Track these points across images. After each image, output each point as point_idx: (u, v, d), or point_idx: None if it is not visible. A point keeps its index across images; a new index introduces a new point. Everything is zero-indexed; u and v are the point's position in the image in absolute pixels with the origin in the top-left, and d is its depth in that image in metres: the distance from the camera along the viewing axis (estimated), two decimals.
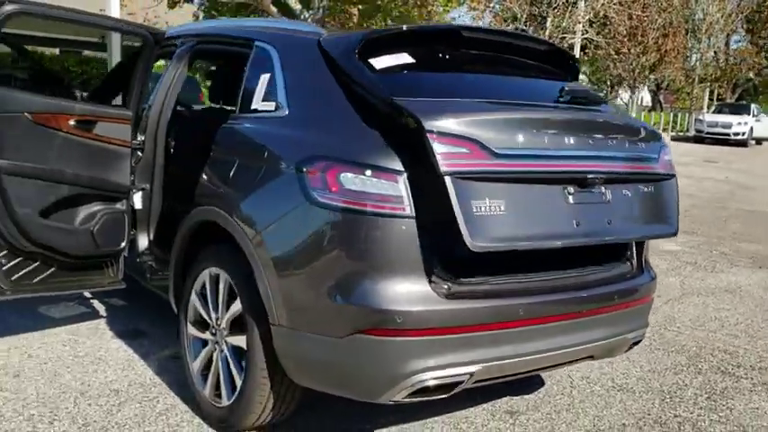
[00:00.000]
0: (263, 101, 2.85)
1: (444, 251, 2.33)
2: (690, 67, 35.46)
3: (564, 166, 2.47)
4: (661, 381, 3.63)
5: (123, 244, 3.50)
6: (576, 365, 3.40)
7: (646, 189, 2.74)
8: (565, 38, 22.24)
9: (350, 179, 2.31)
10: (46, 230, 3.21)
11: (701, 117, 28.98)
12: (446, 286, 2.32)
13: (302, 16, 13.86)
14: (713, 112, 28.98)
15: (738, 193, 12.20)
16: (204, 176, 2.96)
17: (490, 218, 2.25)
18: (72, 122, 3.26)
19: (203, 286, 2.94)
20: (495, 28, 2.87)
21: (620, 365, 3.77)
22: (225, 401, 2.77)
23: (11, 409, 2.91)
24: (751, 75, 39.99)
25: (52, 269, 3.34)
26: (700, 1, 36.75)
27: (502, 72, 2.98)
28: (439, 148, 2.19)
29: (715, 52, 37.52)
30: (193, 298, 2.99)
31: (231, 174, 2.75)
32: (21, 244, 3.16)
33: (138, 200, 3.57)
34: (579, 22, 22.10)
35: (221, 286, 2.80)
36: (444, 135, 2.21)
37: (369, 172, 2.28)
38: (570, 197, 2.46)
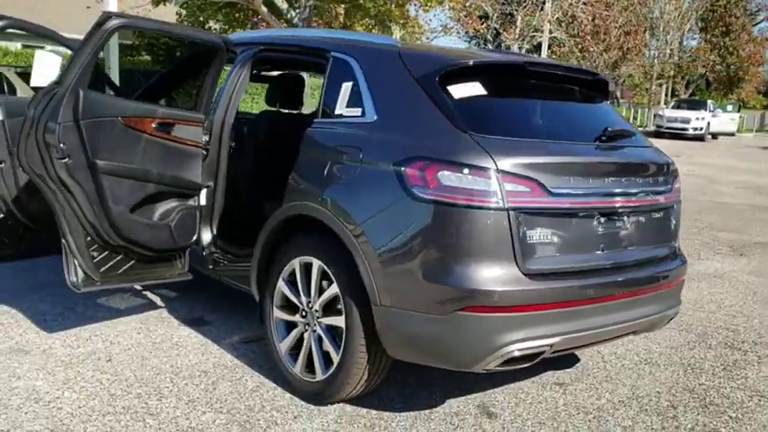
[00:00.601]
0: (347, 107, 3.18)
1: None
2: (648, 65, 36.63)
3: (601, 202, 2.95)
4: (680, 355, 4.07)
5: (195, 238, 3.79)
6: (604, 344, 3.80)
7: (656, 216, 3.24)
8: (534, 36, 23.00)
9: (446, 176, 2.66)
10: (134, 226, 3.49)
11: (660, 113, 30.02)
12: (532, 269, 2.70)
13: (289, 15, 14.08)
14: (672, 108, 30.05)
15: (706, 186, 12.87)
16: (295, 175, 3.25)
17: (538, 246, 2.73)
18: (154, 125, 3.54)
19: (291, 274, 3.25)
20: (553, 61, 3.20)
21: (641, 343, 4.19)
22: (319, 376, 3.10)
23: (118, 389, 3.19)
24: (705, 71, 41.41)
25: (132, 262, 3.62)
26: (657, 0, 38.00)
27: (556, 100, 3.37)
28: (506, 186, 2.62)
29: (671, 50, 38.76)
30: (281, 284, 3.29)
31: (326, 172, 3.07)
32: (112, 239, 3.43)
33: (203, 197, 3.85)
34: (548, 21, 22.83)
35: (314, 273, 3.12)
36: (512, 175, 2.65)
37: (466, 170, 2.64)
38: (600, 227, 2.93)
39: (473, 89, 2.98)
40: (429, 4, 15.10)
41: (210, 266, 3.88)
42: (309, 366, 3.19)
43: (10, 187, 3.94)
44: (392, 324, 2.79)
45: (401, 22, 15.64)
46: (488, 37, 23.43)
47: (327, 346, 3.09)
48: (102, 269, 3.49)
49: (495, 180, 2.64)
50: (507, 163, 2.67)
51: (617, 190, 3.01)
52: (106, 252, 3.49)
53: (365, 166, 2.93)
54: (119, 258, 3.57)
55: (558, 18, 24.75)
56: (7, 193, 3.93)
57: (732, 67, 42.79)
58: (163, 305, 4.42)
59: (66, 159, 3.17)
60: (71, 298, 4.24)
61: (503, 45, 23.63)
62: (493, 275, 2.65)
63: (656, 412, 3.29)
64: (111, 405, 3.03)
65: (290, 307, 3.31)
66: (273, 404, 3.14)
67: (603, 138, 3.10)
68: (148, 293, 4.63)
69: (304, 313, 3.21)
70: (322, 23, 14.38)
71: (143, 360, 3.54)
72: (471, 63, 3.02)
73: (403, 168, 2.77)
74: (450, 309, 2.66)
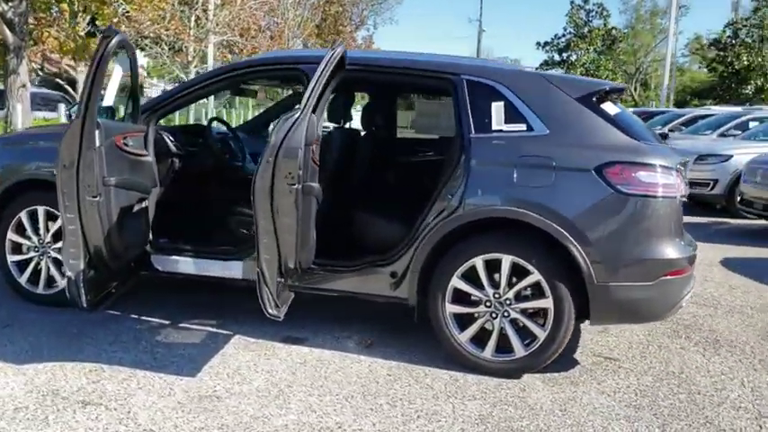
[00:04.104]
0: (506, 123, 3.71)
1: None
2: None
3: None
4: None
5: None
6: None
7: None
8: (207, 39, 23.25)
9: (644, 175, 3.50)
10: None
11: None
12: (684, 241, 3.71)
13: (1, 8, 12.07)
14: None
15: None
16: (461, 183, 3.65)
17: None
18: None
19: (468, 270, 3.67)
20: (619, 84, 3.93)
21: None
22: (520, 353, 3.63)
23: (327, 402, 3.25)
24: None
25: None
26: (281, 6, 41.08)
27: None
28: (678, 179, 3.57)
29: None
30: (456, 282, 3.68)
31: (515, 179, 3.57)
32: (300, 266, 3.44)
33: None
34: (217, 23, 23.28)
35: (505, 267, 3.61)
36: (678, 171, 3.62)
37: (659, 169, 3.51)
38: None
39: (612, 107, 3.82)
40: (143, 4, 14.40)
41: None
42: (500, 348, 3.67)
43: (104, 228, 3.47)
44: (608, 296, 3.50)
45: (114, 20, 14.62)
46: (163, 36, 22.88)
47: (530, 326, 3.63)
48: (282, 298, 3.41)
49: (675, 175, 3.57)
50: (675, 162, 3.61)
51: None
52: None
53: (561, 172, 3.55)
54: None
55: (227, 22, 25.32)
56: (101, 237, 3.46)
57: None
58: (223, 331, 4.21)
59: (297, 185, 3.11)
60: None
61: (183, 45, 23.36)
62: (680, 247, 3.59)
63: None
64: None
65: (465, 301, 3.72)
66: (480, 387, 3.56)
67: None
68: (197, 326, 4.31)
69: (488, 303, 3.67)
70: (43, 19, 12.64)
71: (320, 386, 3.55)
72: (608, 87, 3.84)
73: (605, 171, 3.50)
74: (657, 275, 3.51)
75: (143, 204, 4.05)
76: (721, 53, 26.78)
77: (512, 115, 3.72)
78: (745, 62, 25.33)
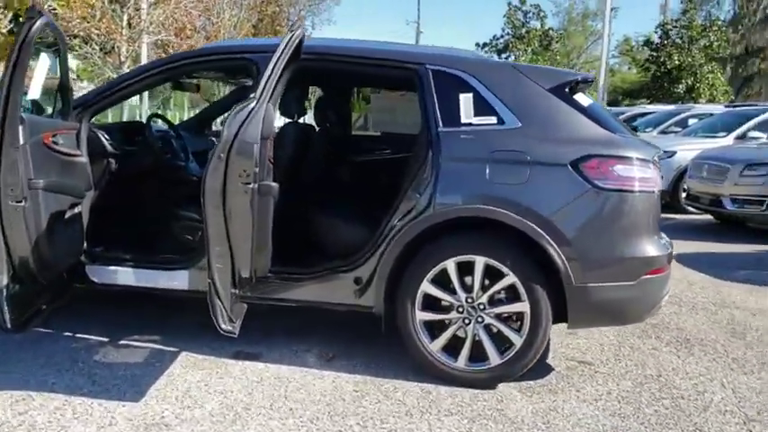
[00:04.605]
0: (476, 116, 3.47)
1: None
2: None
3: None
4: None
5: None
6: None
7: None
8: (141, 38, 22.43)
9: (621, 169, 3.31)
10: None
11: None
12: (661, 237, 3.54)
13: None
14: None
15: None
16: (430, 180, 3.38)
17: None
18: None
19: (439, 274, 3.40)
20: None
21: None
22: (495, 362, 3.38)
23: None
24: None
25: None
26: (217, 6, 40.27)
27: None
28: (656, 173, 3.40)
29: None
30: (425, 287, 3.42)
31: (487, 175, 3.33)
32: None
33: None
34: (151, 22, 22.49)
35: (477, 269, 3.36)
36: (654, 164, 3.44)
37: (637, 162, 3.33)
38: None
39: (584, 98, 3.63)
40: None
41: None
42: (473, 357, 3.42)
43: (31, 236, 3.07)
44: (587, 298, 3.30)
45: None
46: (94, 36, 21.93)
47: (506, 332, 3.39)
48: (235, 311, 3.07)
49: (652, 168, 3.39)
50: (651, 154, 3.44)
51: None
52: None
53: (535, 167, 3.33)
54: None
55: (162, 21, 24.52)
56: (27, 247, 3.06)
57: None
58: (176, 349, 3.83)
59: (253, 185, 2.78)
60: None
61: (115, 45, 22.41)
62: (659, 244, 3.42)
63: None
64: None
65: (436, 307, 3.46)
66: (455, 401, 3.30)
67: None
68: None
69: (461, 309, 3.42)
70: None
71: (280, 403, 3.22)
72: (580, 78, 3.64)
73: (581, 165, 3.29)
74: (638, 274, 3.32)
75: (76, 209, 3.63)
76: (654, 53, 27.49)
77: (481, 107, 3.48)
78: (677, 62, 26.07)
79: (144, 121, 4.50)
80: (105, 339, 3.88)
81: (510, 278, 3.34)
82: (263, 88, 2.81)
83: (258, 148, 2.79)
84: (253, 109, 2.78)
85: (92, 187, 3.81)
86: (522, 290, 3.33)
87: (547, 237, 3.26)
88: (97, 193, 3.94)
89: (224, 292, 2.93)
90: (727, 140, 10.49)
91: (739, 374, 3.76)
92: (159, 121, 4.81)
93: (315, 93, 5.39)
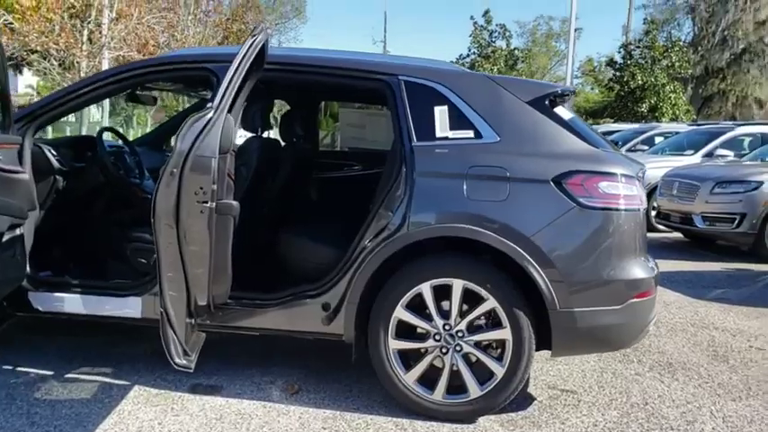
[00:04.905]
0: (451, 129, 3.26)
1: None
2: None
3: None
4: None
5: None
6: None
7: None
8: (102, 54, 21.96)
9: (607, 186, 3.12)
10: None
11: None
12: (647, 258, 3.36)
13: None
14: None
15: None
16: (420, 196, 3.14)
17: None
18: None
19: (414, 299, 3.17)
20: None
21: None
22: (475, 393, 3.14)
23: None
24: None
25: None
26: (181, 22, 39.91)
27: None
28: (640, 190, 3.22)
29: None
30: (399, 313, 3.17)
31: (465, 192, 3.11)
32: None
33: None
34: (121, 38, 22.05)
35: (455, 293, 3.13)
36: (639, 180, 3.27)
37: (623, 179, 3.14)
38: None
39: (565, 111, 3.44)
40: None
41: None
42: (451, 389, 3.18)
43: None
44: (572, 324, 3.08)
45: None
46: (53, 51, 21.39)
47: (486, 361, 3.15)
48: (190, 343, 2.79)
49: (637, 185, 3.21)
50: (636, 170, 3.26)
51: None
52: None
53: (516, 184, 3.12)
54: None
55: (123, 36, 24.07)
56: None
57: None
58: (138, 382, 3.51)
59: (210, 204, 2.50)
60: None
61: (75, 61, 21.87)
62: (645, 266, 3.23)
63: None
64: None
65: (411, 335, 3.22)
66: None
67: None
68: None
69: (438, 336, 3.18)
70: None
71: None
72: (560, 90, 3.45)
73: (564, 182, 3.09)
74: (627, 298, 3.12)
75: (17, 231, 3.31)
76: (617, 73, 27.82)
77: (457, 121, 3.27)
78: (640, 81, 26.40)
79: (95, 135, 4.19)
80: (49, 373, 3.54)
81: (490, 302, 3.11)
82: (223, 96, 2.56)
83: (216, 163, 2.52)
84: (210, 119, 2.52)
85: (36, 207, 3.49)
86: (503, 315, 3.11)
87: (529, 258, 3.05)
88: (42, 213, 3.62)
89: (178, 323, 2.65)
90: (695, 158, 10.49)
91: (727, 401, 3.58)
92: (112, 136, 4.50)
93: (281, 108, 5.11)
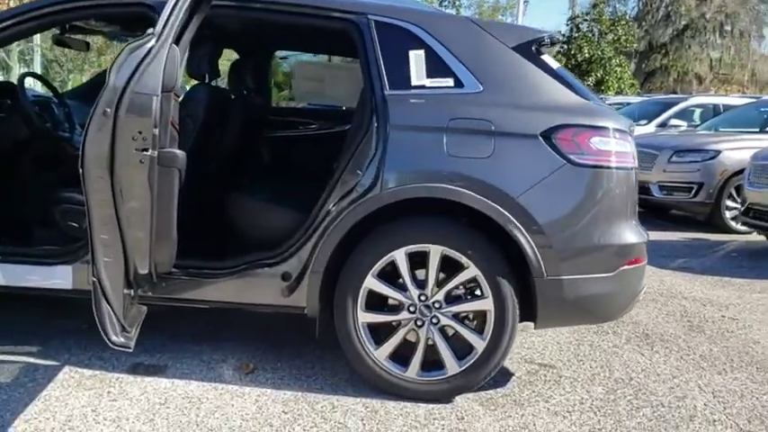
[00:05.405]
0: (429, 77, 2.90)
1: None
2: None
3: None
4: None
5: None
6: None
7: None
8: None
9: (599, 141, 2.82)
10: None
11: None
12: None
13: None
14: None
15: None
16: (393, 152, 2.79)
17: None
18: None
19: (387, 267, 2.83)
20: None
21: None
22: (453, 370, 2.84)
23: None
24: None
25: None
26: None
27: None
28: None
29: None
30: (370, 283, 2.83)
31: (445, 148, 2.76)
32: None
33: None
34: None
35: (432, 261, 2.80)
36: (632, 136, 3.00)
37: (616, 134, 2.85)
38: None
39: (552, 61, 3.11)
40: None
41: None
42: (427, 365, 2.87)
43: None
44: (560, 293, 2.79)
45: None
46: None
47: (465, 334, 2.85)
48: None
49: (630, 141, 2.93)
50: (627, 125, 2.97)
51: None
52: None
53: (501, 139, 2.79)
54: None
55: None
56: None
57: None
58: (76, 367, 3.07)
59: (152, 152, 2.08)
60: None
61: None
62: (637, 231, 2.96)
63: None
64: None
65: (383, 307, 2.89)
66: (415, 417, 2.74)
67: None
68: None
69: (412, 308, 2.85)
70: None
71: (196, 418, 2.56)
72: (547, 36, 3.12)
73: (554, 137, 2.78)
74: (618, 265, 2.85)
75: None
76: (565, 45, 27.85)
77: (435, 67, 2.90)
78: (587, 54, 26.47)
79: (16, 81, 3.65)
80: None
81: (471, 271, 2.79)
82: (166, 23, 2.12)
83: (159, 103, 2.10)
84: (152, 48, 2.08)
85: None
86: (485, 284, 2.80)
87: (514, 221, 2.73)
88: None
89: (114, 294, 2.24)
90: (649, 128, 10.43)
91: (713, 374, 3.38)
92: (38, 83, 3.96)
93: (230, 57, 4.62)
